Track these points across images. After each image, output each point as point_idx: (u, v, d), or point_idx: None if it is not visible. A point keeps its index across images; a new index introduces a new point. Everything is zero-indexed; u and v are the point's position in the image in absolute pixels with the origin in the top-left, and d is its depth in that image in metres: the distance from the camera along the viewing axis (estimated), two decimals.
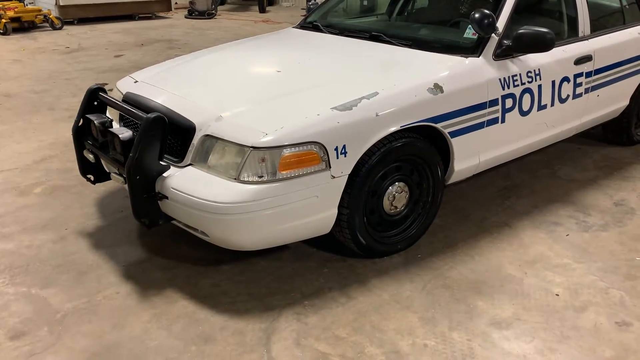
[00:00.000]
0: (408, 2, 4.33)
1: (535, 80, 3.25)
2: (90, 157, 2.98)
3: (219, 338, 2.38)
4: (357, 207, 2.70)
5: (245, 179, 2.46)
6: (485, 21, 2.96)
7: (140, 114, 2.67)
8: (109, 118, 2.96)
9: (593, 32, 3.69)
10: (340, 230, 2.75)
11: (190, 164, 2.64)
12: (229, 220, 2.45)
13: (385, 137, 2.70)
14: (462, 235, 3.16)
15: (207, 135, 2.59)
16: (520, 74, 3.17)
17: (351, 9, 4.89)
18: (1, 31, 9.87)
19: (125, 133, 2.70)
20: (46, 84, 6.50)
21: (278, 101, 2.75)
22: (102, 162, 3.00)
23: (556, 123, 3.54)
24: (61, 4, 10.79)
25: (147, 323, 2.47)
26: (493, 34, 3.07)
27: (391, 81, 2.84)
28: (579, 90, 3.57)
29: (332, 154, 2.53)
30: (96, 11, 11.34)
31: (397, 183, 2.87)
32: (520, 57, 3.19)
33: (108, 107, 3.06)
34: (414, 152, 2.84)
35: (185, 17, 12.53)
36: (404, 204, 2.95)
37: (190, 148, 2.64)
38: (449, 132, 2.91)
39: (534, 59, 3.24)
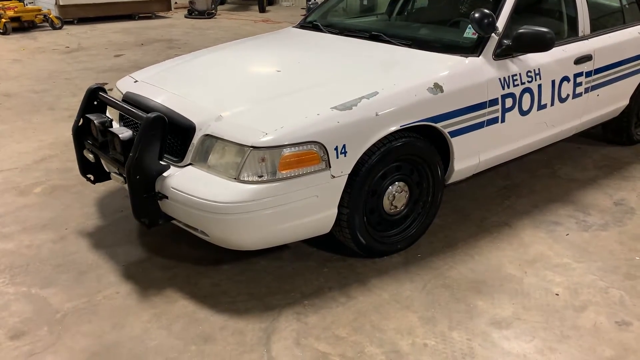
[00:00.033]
0: (408, 2, 4.32)
1: (535, 80, 3.25)
2: (90, 156, 2.98)
3: (219, 338, 2.38)
4: (357, 206, 2.70)
5: (245, 179, 2.46)
6: (485, 21, 2.96)
7: (140, 113, 2.67)
8: (108, 118, 2.96)
9: (593, 32, 3.69)
10: (340, 229, 2.75)
11: (190, 164, 2.64)
12: (229, 220, 2.45)
13: (385, 137, 2.70)
14: (462, 234, 3.16)
15: (207, 135, 2.59)
16: (520, 74, 3.17)
17: (351, 9, 4.89)
18: (1, 31, 9.87)
19: (125, 133, 2.70)
20: (46, 84, 6.50)
21: (278, 101, 2.75)
22: (102, 161, 3.00)
23: (556, 122, 3.54)
24: (61, 3, 10.78)
25: (147, 323, 2.47)
26: (493, 34, 3.07)
27: (391, 81, 2.84)
28: (578, 89, 3.57)
29: (332, 153, 2.53)
30: (96, 11, 11.34)
31: (397, 183, 2.87)
32: (520, 57, 3.19)
33: (108, 106, 3.06)
34: (413, 151, 2.84)
35: (185, 17, 12.52)
36: (403, 204, 2.95)
37: (190, 148, 2.64)
38: (448, 132, 2.91)
39: (533, 59, 3.24)
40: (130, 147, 2.57)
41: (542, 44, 3.04)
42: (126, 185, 2.64)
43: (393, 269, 2.84)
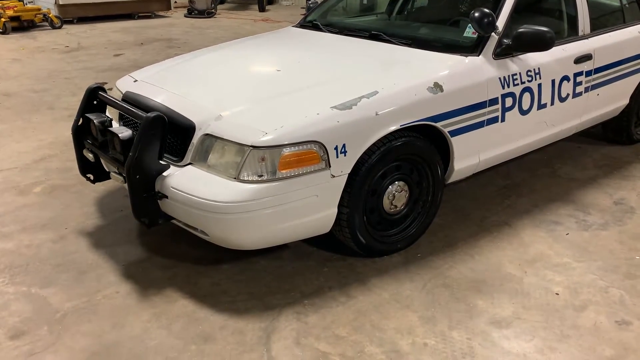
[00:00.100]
0: (408, 1, 4.32)
1: (535, 79, 3.25)
2: (90, 156, 2.98)
3: (218, 337, 2.38)
4: (357, 206, 2.70)
5: (245, 178, 2.46)
6: (485, 20, 2.96)
7: (139, 113, 2.66)
8: (108, 117, 2.96)
9: (593, 31, 3.69)
10: (340, 229, 2.75)
11: (190, 163, 2.64)
12: (228, 220, 2.45)
13: (385, 136, 2.69)
14: (462, 234, 3.16)
15: (207, 134, 2.59)
16: (520, 73, 3.17)
17: (351, 8, 4.89)
18: (0, 30, 9.86)
19: (124, 132, 2.70)
20: (46, 83, 6.50)
21: (278, 100, 2.75)
22: (102, 161, 3.00)
23: (556, 122, 3.54)
24: (60, 3, 10.77)
25: (147, 322, 2.47)
26: (493, 33, 3.06)
27: (391, 80, 2.84)
28: (578, 89, 3.57)
29: (331, 153, 2.53)
30: (96, 10, 11.33)
31: (396, 182, 2.87)
32: (520, 56, 3.19)
33: (108, 106, 3.05)
34: (413, 151, 2.84)
35: (185, 16, 12.51)
36: (403, 203, 2.95)
37: (190, 147, 2.64)
38: (448, 131, 2.91)
39: (533, 58, 3.23)
40: (130, 146, 2.57)
41: (542, 44, 3.04)
42: (126, 185, 2.64)
43: (393, 269, 2.84)
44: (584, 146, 4.38)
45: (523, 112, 3.24)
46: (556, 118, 3.51)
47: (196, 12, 12.52)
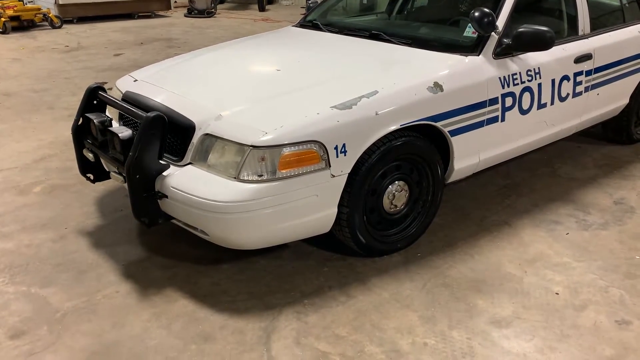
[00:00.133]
0: (408, 1, 4.32)
1: (535, 79, 3.25)
2: (90, 156, 2.98)
3: (218, 337, 2.38)
4: (356, 205, 2.70)
5: (245, 178, 2.46)
6: (485, 20, 2.96)
7: (139, 112, 2.66)
8: (108, 117, 2.96)
9: (593, 31, 3.69)
10: (340, 229, 2.75)
11: (190, 163, 2.64)
12: (228, 219, 2.45)
13: (385, 136, 2.69)
14: (461, 234, 3.16)
15: (207, 134, 2.59)
16: (520, 73, 3.16)
17: (351, 8, 4.89)
18: (0, 30, 9.86)
19: (124, 132, 2.70)
20: (46, 83, 6.50)
21: (278, 100, 2.75)
22: (102, 161, 3.00)
23: (556, 122, 3.54)
24: (60, 2, 10.76)
25: (146, 322, 2.47)
26: (493, 33, 3.06)
27: (391, 80, 2.84)
28: (578, 88, 3.57)
29: (331, 152, 2.53)
30: (95, 10, 11.32)
31: (396, 182, 2.87)
32: (520, 56, 3.19)
33: (108, 106, 3.05)
34: (413, 150, 2.84)
35: (185, 16, 12.51)
36: (403, 203, 2.95)
37: (190, 147, 2.64)
38: (448, 131, 2.91)
39: (533, 58, 3.23)
40: (130, 146, 2.57)
41: (542, 43, 3.04)
42: (126, 185, 2.64)
43: (393, 268, 2.84)
44: (584, 146, 4.38)
45: (523, 112, 3.24)
46: (556, 118, 3.51)
47: (196, 11, 12.52)
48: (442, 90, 2.85)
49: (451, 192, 3.58)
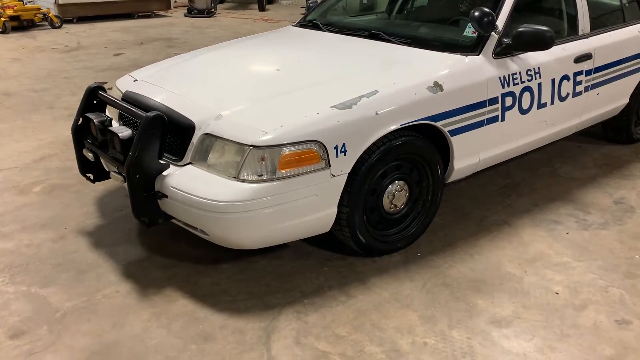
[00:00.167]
0: (408, 1, 4.32)
1: (535, 79, 3.25)
2: (90, 155, 2.98)
3: (218, 337, 2.38)
4: (356, 205, 2.70)
5: (245, 178, 2.46)
6: (485, 19, 2.96)
7: (139, 112, 2.66)
8: (108, 117, 2.96)
9: (593, 30, 3.69)
10: (340, 228, 2.75)
11: (189, 163, 2.64)
12: (228, 219, 2.45)
13: (385, 136, 2.69)
14: (461, 233, 3.16)
15: (207, 133, 2.59)
16: (520, 72, 3.16)
17: (351, 7, 4.89)
18: (0, 30, 9.85)
19: (124, 132, 2.70)
20: (45, 83, 6.50)
21: (277, 100, 2.75)
22: (102, 160, 3.00)
23: (556, 121, 3.54)
24: (60, 2, 10.76)
25: (146, 322, 2.47)
26: (493, 32, 3.06)
27: (391, 79, 2.84)
28: (578, 88, 3.57)
29: (331, 152, 2.53)
30: (95, 10, 11.32)
31: (396, 181, 2.87)
32: (520, 56, 3.19)
33: (107, 105, 3.05)
34: (413, 150, 2.84)
35: (185, 16, 12.50)
36: (403, 203, 2.95)
37: (189, 147, 2.63)
38: (448, 131, 2.91)
39: (533, 57, 3.23)
40: (130, 146, 2.57)
41: (542, 43, 3.04)
42: (126, 184, 2.64)
43: (393, 268, 2.84)
44: (584, 145, 4.38)
45: (523, 112, 3.24)
46: (556, 117, 3.51)
47: (196, 11, 12.51)
48: (442, 90, 2.85)
49: (451, 191, 3.58)
